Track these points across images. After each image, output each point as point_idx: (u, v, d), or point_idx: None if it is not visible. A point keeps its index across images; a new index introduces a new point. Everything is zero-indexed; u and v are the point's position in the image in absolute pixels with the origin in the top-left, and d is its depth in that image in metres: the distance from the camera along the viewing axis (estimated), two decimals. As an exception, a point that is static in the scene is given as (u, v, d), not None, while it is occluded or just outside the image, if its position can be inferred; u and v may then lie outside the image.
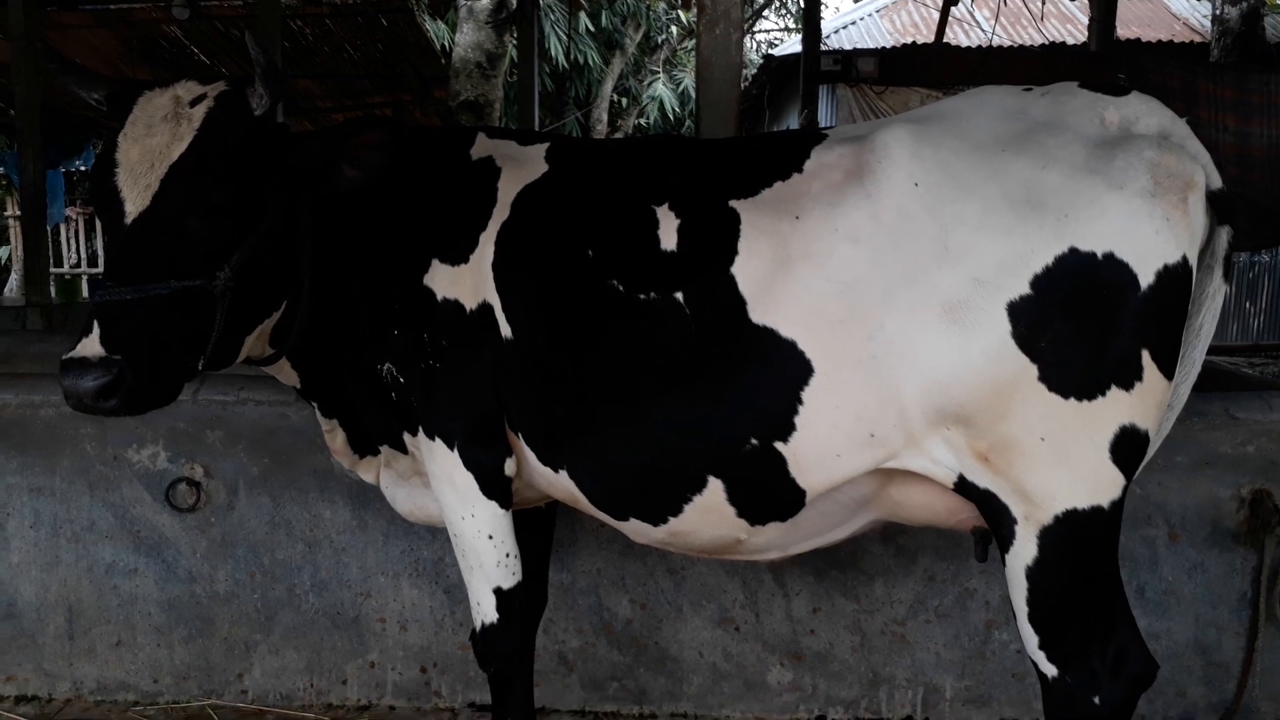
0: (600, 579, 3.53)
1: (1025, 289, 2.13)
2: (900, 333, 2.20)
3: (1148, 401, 2.19)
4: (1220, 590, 3.37)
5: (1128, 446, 2.20)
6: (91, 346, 2.13)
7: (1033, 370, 2.15)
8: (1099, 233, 2.12)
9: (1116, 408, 2.17)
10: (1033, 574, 2.27)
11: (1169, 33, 12.88)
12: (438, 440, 2.62)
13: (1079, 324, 2.14)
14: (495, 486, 2.64)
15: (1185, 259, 2.16)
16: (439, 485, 2.67)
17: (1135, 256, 2.12)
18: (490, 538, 2.66)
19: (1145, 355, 2.16)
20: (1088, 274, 2.12)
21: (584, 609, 3.55)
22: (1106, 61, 8.29)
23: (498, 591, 2.71)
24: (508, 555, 2.70)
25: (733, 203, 2.41)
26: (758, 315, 2.31)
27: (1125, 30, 10.84)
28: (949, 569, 3.43)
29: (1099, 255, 2.12)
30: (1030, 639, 2.34)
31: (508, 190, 2.64)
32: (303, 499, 3.57)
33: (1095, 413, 2.17)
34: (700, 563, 3.49)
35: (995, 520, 2.29)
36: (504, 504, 2.67)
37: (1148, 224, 2.13)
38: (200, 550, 3.60)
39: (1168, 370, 2.21)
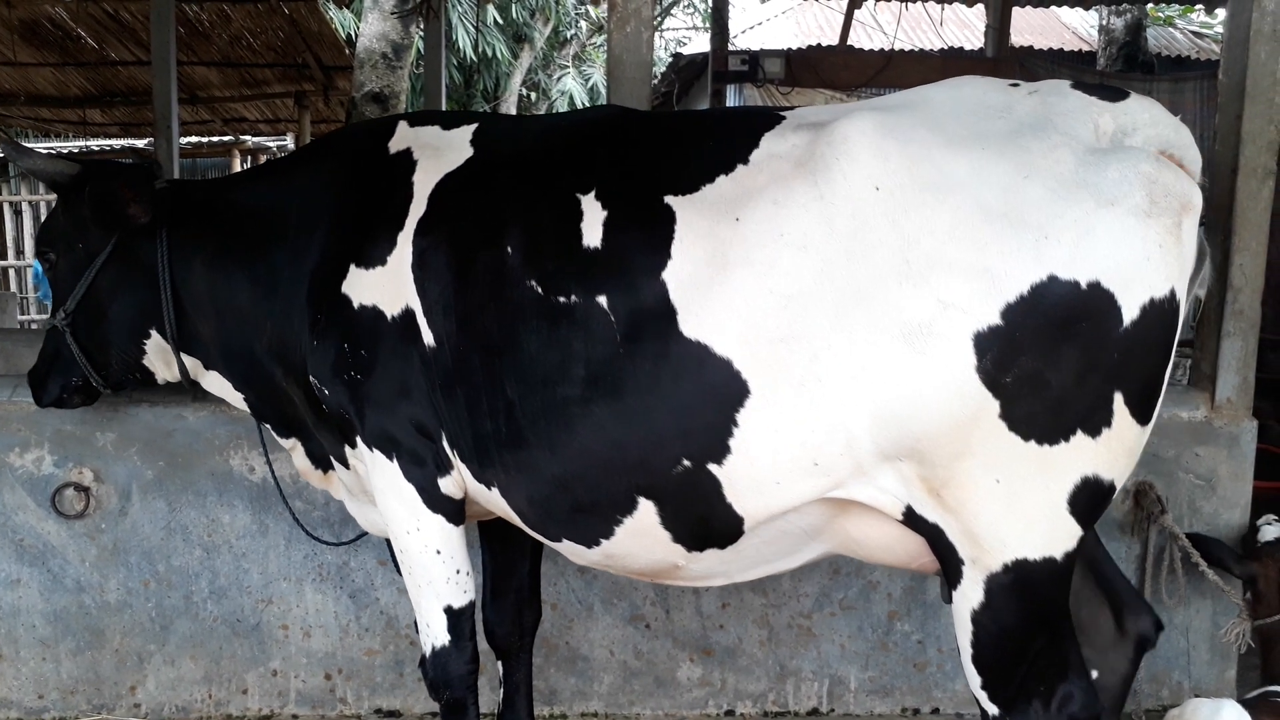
0: (510, 580, 3.50)
1: (995, 319, 1.89)
2: (851, 355, 1.96)
3: (1115, 450, 1.97)
4: (1107, 578, 3.52)
5: (1088, 497, 1.99)
6: None
7: (994, 406, 1.92)
8: (1083, 258, 1.87)
9: (1080, 455, 1.95)
10: (978, 618, 2.10)
11: (1059, 40, 13.38)
12: (377, 452, 2.48)
13: (1049, 360, 1.90)
14: (439, 500, 2.48)
15: (1174, 293, 1.92)
16: (383, 498, 2.52)
17: (1120, 285, 1.87)
18: (439, 553, 2.50)
19: (1118, 399, 1.94)
20: (1066, 306, 1.88)
21: (494, 610, 3.51)
22: (1002, 66, 8.57)
23: (448, 611, 2.54)
24: (458, 571, 2.53)
25: (668, 199, 2.16)
26: (689, 328, 2.08)
27: (1019, 37, 11.22)
28: (853, 562, 3.50)
29: (1082, 284, 1.87)
30: (973, 679, 2.19)
31: (425, 182, 2.44)
32: (200, 503, 3.45)
33: (1056, 459, 1.95)
34: (611, 561, 3.49)
35: (943, 557, 2.11)
36: (452, 518, 2.51)
37: (1139, 249, 1.87)
38: (89, 559, 3.45)
39: (1142, 416, 1.98)
